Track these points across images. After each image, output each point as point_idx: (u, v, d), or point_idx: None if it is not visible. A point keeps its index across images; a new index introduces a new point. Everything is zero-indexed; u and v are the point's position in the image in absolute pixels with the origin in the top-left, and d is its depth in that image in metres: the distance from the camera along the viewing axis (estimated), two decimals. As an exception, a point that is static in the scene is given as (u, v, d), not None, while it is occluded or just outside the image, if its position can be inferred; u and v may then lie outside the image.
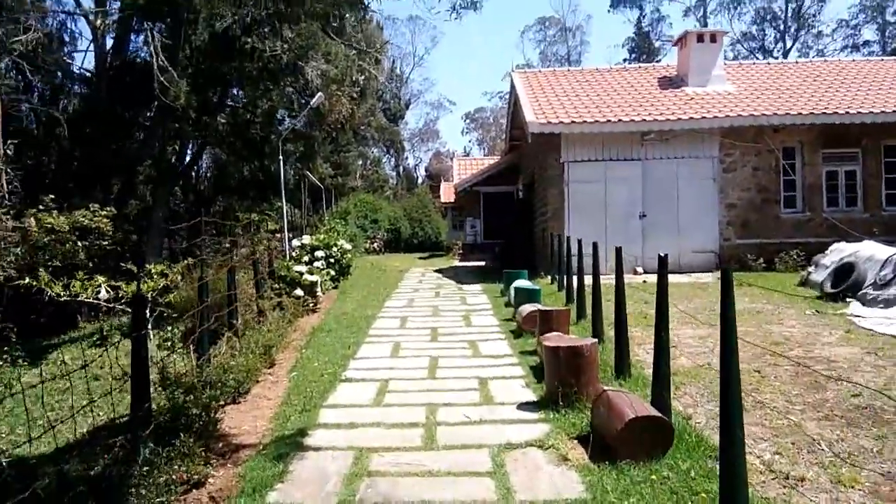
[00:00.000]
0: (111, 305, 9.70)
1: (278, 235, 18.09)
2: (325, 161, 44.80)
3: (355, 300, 13.09)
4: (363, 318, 10.69)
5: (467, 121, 70.26)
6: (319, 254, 16.30)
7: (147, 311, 9.75)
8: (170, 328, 8.25)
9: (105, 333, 10.46)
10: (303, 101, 18.22)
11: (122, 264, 12.68)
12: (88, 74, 21.51)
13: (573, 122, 14.54)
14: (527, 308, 8.88)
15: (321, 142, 22.11)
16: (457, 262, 23.81)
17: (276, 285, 12.19)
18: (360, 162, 52.12)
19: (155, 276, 10.12)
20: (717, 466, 4.14)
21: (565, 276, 11.98)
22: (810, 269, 11.91)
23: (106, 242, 16.06)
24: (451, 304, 11.92)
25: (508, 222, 20.29)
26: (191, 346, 6.89)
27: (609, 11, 54.11)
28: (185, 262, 11.40)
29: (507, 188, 26.50)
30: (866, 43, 52.68)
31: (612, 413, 4.47)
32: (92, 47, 19.92)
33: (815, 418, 5.05)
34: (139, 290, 5.03)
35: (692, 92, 16.27)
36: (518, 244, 18.61)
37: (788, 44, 54.55)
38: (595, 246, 8.52)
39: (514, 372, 6.92)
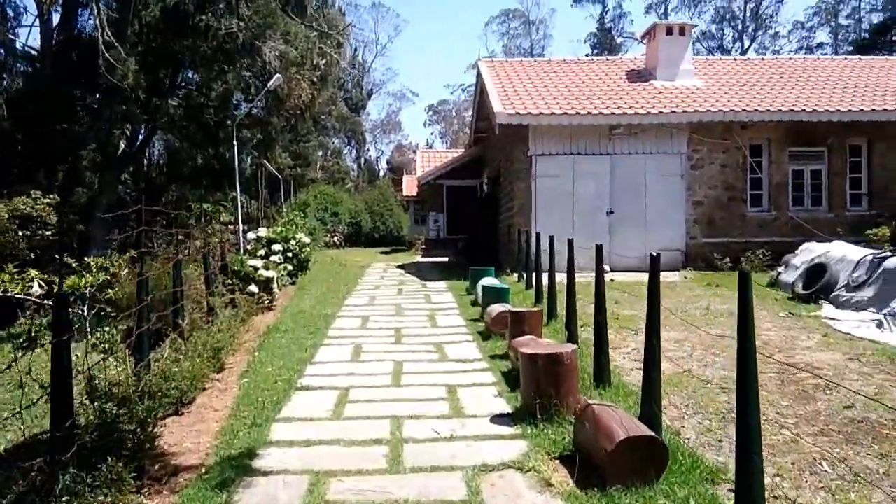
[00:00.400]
0: (42, 302, 8.87)
1: (232, 227, 17.31)
2: (284, 150, 43.64)
3: (314, 297, 12.46)
4: (322, 318, 10.09)
5: (430, 113, 69.69)
6: (277, 247, 15.61)
7: (84, 310, 8.96)
8: (107, 329, 7.52)
9: (33, 334, 9.60)
10: (260, 85, 17.40)
11: (65, 256, 11.83)
12: (34, 52, 20.26)
13: (542, 113, 14.13)
14: (496, 308, 8.41)
15: (280, 129, 21.27)
16: (419, 258, 23.28)
17: (229, 281, 11.49)
18: (321, 153, 51.07)
19: (94, 270, 9.32)
20: (717, 492, 3.74)
21: (533, 274, 11.58)
22: (780, 269, 11.75)
23: (49, 232, 15.10)
24: (415, 303, 11.40)
25: (473, 217, 19.85)
26: (127, 349, 6.23)
27: (572, 6, 54.12)
28: (130, 254, 10.66)
29: (472, 182, 26.07)
30: (820, 45, 53.90)
31: (599, 431, 4.02)
32: (37, 23, 18.74)
33: (811, 433, 4.70)
34: (60, 287, 4.36)
35: (660, 86, 16.03)
36: (482, 240, 18.18)
37: (746, 43, 55.46)
38: (570, 243, 8.08)
39: (484, 379, 6.44)
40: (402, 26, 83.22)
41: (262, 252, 15.52)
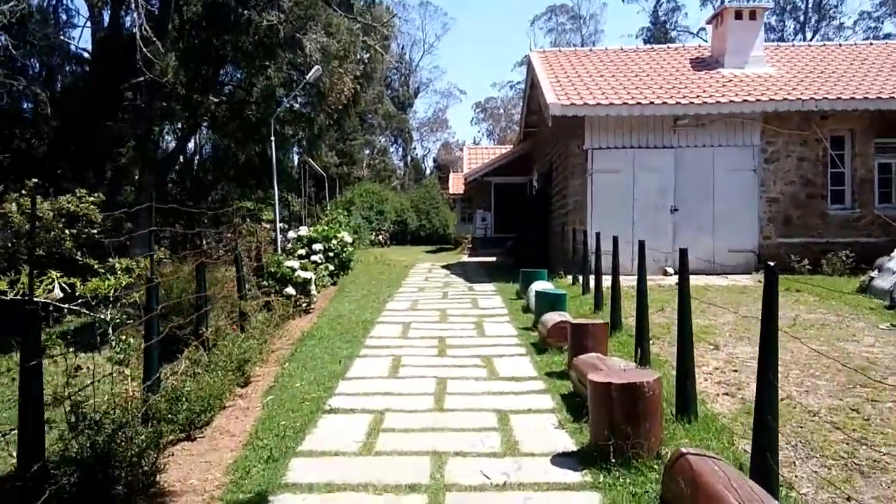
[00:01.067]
0: (64, 306, 8.34)
1: (270, 227, 16.76)
2: (330, 149, 43.41)
3: (354, 300, 11.72)
4: (360, 323, 9.31)
5: (477, 110, 68.70)
6: (317, 247, 14.98)
7: (108, 314, 8.35)
8: (122, 339, 6.89)
9: (43, 344, 9.09)
10: (302, 81, 16.82)
11: (112, 256, 11.45)
12: (86, 54, 20.23)
13: (598, 103, 13.07)
14: (552, 318, 7.47)
15: (324, 126, 20.67)
16: (466, 258, 22.42)
17: (265, 283, 10.86)
18: (367, 151, 50.73)
19: (119, 272, 8.76)
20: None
21: (591, 278, 10.58)
22: (872, 273, 10.44)
23: (95, 231, 14.83)
24: (461, 308, 10.52)
25: (522, 215, 18.85)
26: (139, 361, 5.55)
27: (623, 1, 52.16)
28: (153, 254, 10.14)
29: (521, 179, 25.08)
30: (888, 36, 50.76)
31: (701, 496, 3.07)
32: (89, 24, 18.63)
33: (973, 494, 3.63)
34: (31, 296, 3.63)
35: (729, 74, 14.76)
36: (532, 239, 17.18)
37: (808, 35, 52.65)
38: (642, 245, 7.07)
39: (542, 403, 5.51)
40: (450, 24, 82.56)
41: (302, 251, 14.93)
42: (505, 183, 25.67)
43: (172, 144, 25.02)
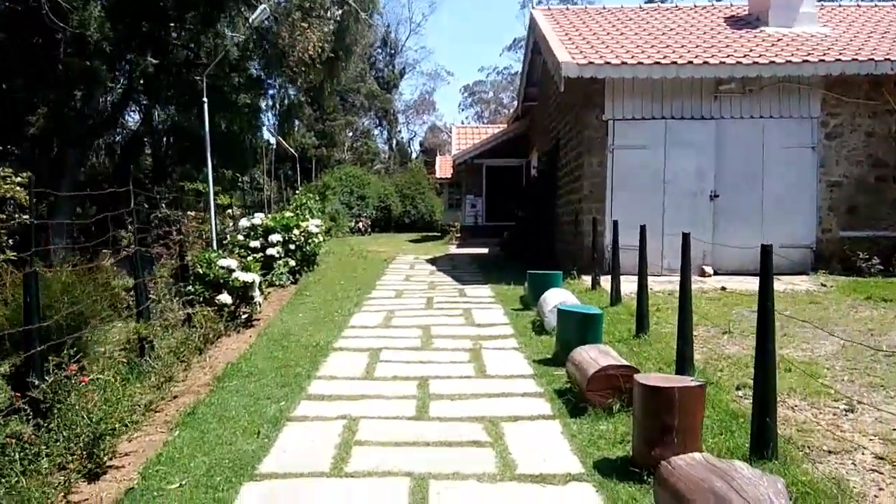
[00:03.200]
0: None
1: (228, 212, 14.04)
2: (309, 129, 40.52)
3: (311, 309, 9.09)
4: (310, 351, 6.67)
5: (465, 94, 65.78)
6: (275, 238, 12.31)
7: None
8: None
9: None
10: (260, 41, 14.04)
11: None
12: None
13: (623, 63, 10.44)
14: (593, 358, 4.85)
15: (295, 100, 17.92)
16: (454, 249, 19.79)
17: (191, 288, 8.21)
18: (350, 133, 47.82)
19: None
20: None
21: (617, 282, 8.03)
22: None
23: (27, 216, 12.11)
24: (451, 324, 7.87)
25: (521, 201, 16.24)
26: None
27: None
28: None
29: (516, 161, 22.48)
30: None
31: None
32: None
33: None
34: None
35: (775, 32, 12.16)
36: (534, 229, 14.58)
37: None
38: (686, 238, 4.41)
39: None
40: (437, 3, 79.19)
41: (255, 244, 12.25)
42: (498, 166, 23.07)
43: (136, 118, 22.16)
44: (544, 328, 7.02)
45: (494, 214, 23.36)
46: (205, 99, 9.87)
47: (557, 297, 7.20)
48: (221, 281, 8.40)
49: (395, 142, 58.52)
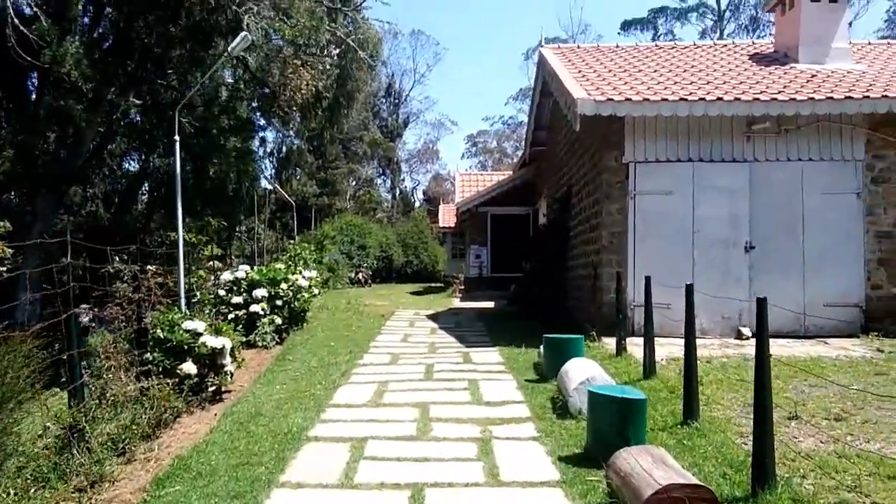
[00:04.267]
0: None
1: (216, 264, 12.89)
2: (310, 177, 39.79)
3: (292, 378, 7.82)
4: (280, 440, 5.38)
5: (469, 144, 65.45)
6: (260, 293, 11.17)
7: None
8: None
9: None
10: (252, 83, 13.13)
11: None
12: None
13: (646, 99, 9.40)
14: (645, 471, 3.55)
15: (292, 148, 16.99)
16: (457, 302, 18.54)
17: (150, 356, 6.99)
18: (352, 182, 47.13)
19: None
20: None
21: (652, 350, 6.78)
22: None
23: (4, 269, 11.03)
24: (454, 401, 6.52)
25: (528, 252, 15.07)
26: None
27: (619, 34, 49.26)
28: None
29: (522, 210, 21.42)
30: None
31: None
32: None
33: None
34: None
35: (807, 69, 11.18)
36: (543, 284, 13.33)
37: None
38: (763, 306, 2.98)
39: None
40: (442, 54, 79.78)
41: (238, 300, 11.11)
42: (504, 214, 21.98)
43: (135, 169, 21.23)
44: (568, 409, 5.73)
45: (500, 265, 22.18)
46: (176, 137, 8.80)
47: (582, 370, 5.93)
48: (186, 347, 7.18)
49: (398, 191, 57.87)
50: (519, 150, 50.71)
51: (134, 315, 7.19)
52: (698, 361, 8.09)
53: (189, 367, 7.02)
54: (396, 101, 56.37)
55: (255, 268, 11.96)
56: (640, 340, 9.03)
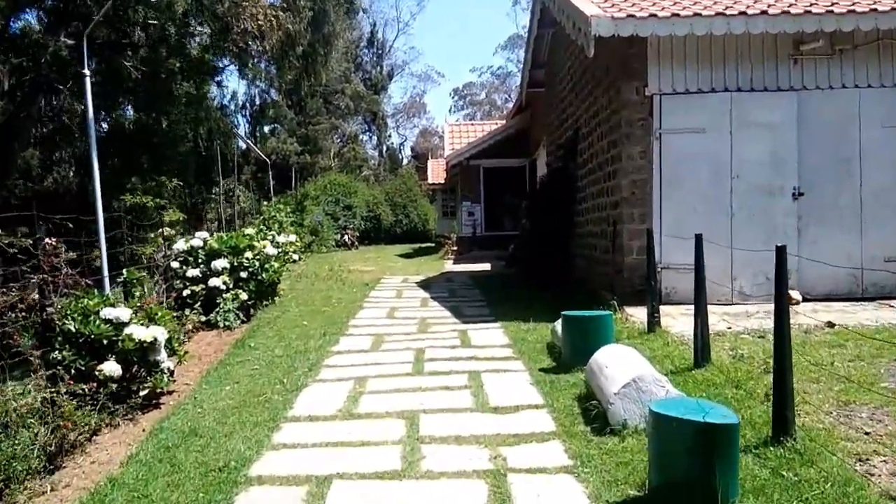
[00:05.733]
0: None
1: (167, 231, 11.21)
2: (290, 134, 37.72)
3: (249, 373, 6.28)
4: (211, 481, 3.84)
5: (456, 97, 63.07)
6: (220, 264, 9.60)
7: None
8: None
9: None
10: (201, 13, 11.21)
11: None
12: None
13: (675, 14, 7.68)
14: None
15: (274, 101, 15.09)
16: (450, 265, 16.99)
17: (58, 355, 5.43)
18: (336, 139, 44.98)
19: None
20: None
21: (705, 328, 5.27)
22: None
23: None
24: (452, 408, 4.92)
25: (527, 208, 13.45)
26: None
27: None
28: None
29: (517, 161, 19.78)
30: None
31: None
32: None
33: None
34: None
35: (856, -20, 9.43)
36: (546, 243, 11.75)
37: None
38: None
39: None
40: (425, 1, 76.44)
41: (195, 272, 9.51)
42: (498, 167, 20.32)
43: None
44: (607, 420, 4.21)
45: (495, 223, 20.63)
46: (85, 70, 7.00)
47: (622, 365, 4.40)
48: (105, 341, 5.61)
49: (384, 147, 55.73)
50: (509, 101, 48.57)
51: (37, 305, 5.58)
52: (751, 337, 6.69)
53: (110, 368, 5.48)
54: (380, 51, 53.81)
55: (226, 233, 10.33)
56: (672, 310, 7.58)
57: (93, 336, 5.54)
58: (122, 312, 5.72)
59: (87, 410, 5.13)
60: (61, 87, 11.47)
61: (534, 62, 14.30)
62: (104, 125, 14.60)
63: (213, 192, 27.10)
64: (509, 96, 54.16)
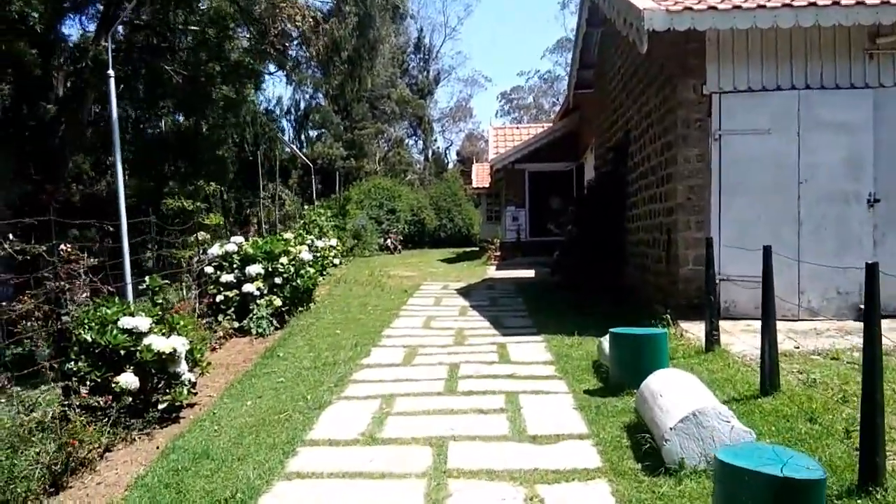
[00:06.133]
0: None
1: (203, 236, 11.07)
2: (336, 139, 37.82)
3: (274, 387, 5.95)
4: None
5: (502, 101, 62.48)
6: (254, 270, 9.36)
7: None
8: None
9: None
10: (238, 15, 11.06)
11: None
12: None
13: (736, 6, 7.07)
14: None
15: (319, 106, 14.93)
16: (493, 271, 16.52)
17: (74, 366, 5.22)
18: (381, 144, 44.98)
19: None
20: None
21: (774, 350, 4.69)
22: None
23: None
24: (485, 436, 4.44)
25: (577, 213, 12.87)
26: None
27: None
28: None
29: (563, 166, 19.16)
30: None
31: None
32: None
33: None
34: None
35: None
36: (594, 251, 11.16)
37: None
38: None
39: None
40: (473, 6, 76.05)
41: (229, 278, 9.31)
42: (543, 171, 19.72)
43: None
44: (659, 455, 3.69)
45: (540, 229, 20.01)
46: (110, 72, 6.83)
47: (680, 394, 3.87)
48: (123, 352, 5.35)
49: (430, 151, 55.51)
50: (557, 105, 47.71)
51: (54, 314, 5.36)
52: (823, 357, 6.03)
53: (127, 380, 5.22)
54: (426, 56, 53.67)
55: (262, 238, 10.13)
56: (731, 325, 6.96)
57: (110, 347, 5.28)
58: (141, 322, 5.45)
59: (100, 426, 4.88)
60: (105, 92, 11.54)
61: (582, 62, 13.73)
62: (149, 130, 14.64)
63: (261, 196, 27.30)
64: (557, 100, 53.34)
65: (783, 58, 7.43)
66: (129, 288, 7.02)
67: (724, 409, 3.66)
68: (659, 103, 8.37)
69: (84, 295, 5.48)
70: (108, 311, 5.45)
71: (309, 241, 12.67)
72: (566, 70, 53.56)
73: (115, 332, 5.31)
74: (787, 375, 5.15)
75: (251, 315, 8.93)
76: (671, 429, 3.61)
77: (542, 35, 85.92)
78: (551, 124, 21.31)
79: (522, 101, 61.71)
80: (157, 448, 4.78)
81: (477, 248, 25.09)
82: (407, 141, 51.28)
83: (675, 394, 3.91)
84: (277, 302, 9.28)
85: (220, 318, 8.75)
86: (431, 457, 4.03)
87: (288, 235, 12.73)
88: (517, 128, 25.49)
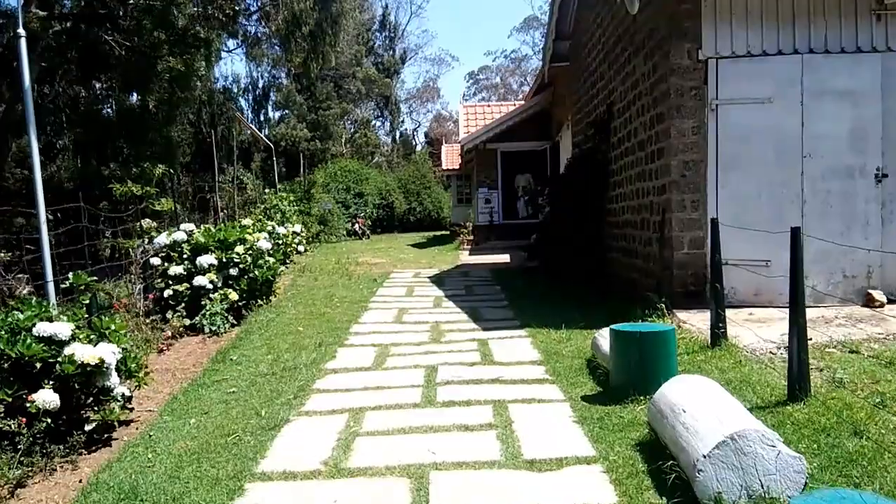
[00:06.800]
0: None
1: (149, 223, 10.07)
2: (300, 120, 36.56)
3: (223, 400, 5.15)
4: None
5: (470, 81, 61.54)
6: (206, 260, 8.49)
7: None
8: None
9: None
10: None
11: None
12: None
13: (736, -38, 6.38)
14: None
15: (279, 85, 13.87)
16: (466, 256, 15.82)
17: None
18: (348, 125, 43.76)
19: None
20: None
21: (804, 350, 4.02)
22: None
23: None
24: (472, 467, 3.77)
25: (554, 194, 12.19)
26: None
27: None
28: None
29: (537, 145, 18.48)
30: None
31: None
32: None
33: None
34: None
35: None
36: (573, 233, 10.48)
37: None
38: None
39: None
40: (439, -16, 74.44)
41: (178, 270, 8.42)
42: (517, 150, 19.03)
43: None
44: (689, 488, 3.02)
45: (513, 211, 19.39)
46: (21, 31, 5.82)
47: (710, 411, 3.20)
48: (40, 365, 4.50)
49: (397, 133, 54.40)
50: (525, 85, 46.97)
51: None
52: (834, 350, 5.44)
53: (46, 398, 4.38)
54: (392, 34, 52.35)
55: (215, 226, 9.25)
56: (733, 315, 6.32)
57: (24, 359, 4.43)
58: (62, 328, 4.60)
59: (9, 457, 4.06)
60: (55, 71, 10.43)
61: (557, 33, 12.96)
62: (96, 108, 13.45)
63: (218, 180, 26.11)
64: (525, 80, 52.66)
65: (786, 19, 6.78)
66: (51, 286, 6.11)
67: (769, 432, 2.99)
68: (648, 72, 7.67)
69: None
70: (21, 316, 4.59)
71: (269, 228, 11.80)
72: (534, 50, 52.74)
73: (29, 340, 4.45)
74: (815, 376, 4.53)
75: (204, 311, 8.09)
76: (705, 456, 2.93)
77: (510, 13, 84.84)
78: (524, 102, 20.58)
79: (490, 80, 60.87)
80: (80, 482, 3.97)
81: (448, 232, 24.38)
82: (374, 122, 50.11)
83: (702, 410, 3.23)
84: (233, 296, 8.44)
85: (168, 315, 7.90)
86: (410, 493, 3.30)
87: (247, 222, 11.84)
88: (488, 106, 24.71)
